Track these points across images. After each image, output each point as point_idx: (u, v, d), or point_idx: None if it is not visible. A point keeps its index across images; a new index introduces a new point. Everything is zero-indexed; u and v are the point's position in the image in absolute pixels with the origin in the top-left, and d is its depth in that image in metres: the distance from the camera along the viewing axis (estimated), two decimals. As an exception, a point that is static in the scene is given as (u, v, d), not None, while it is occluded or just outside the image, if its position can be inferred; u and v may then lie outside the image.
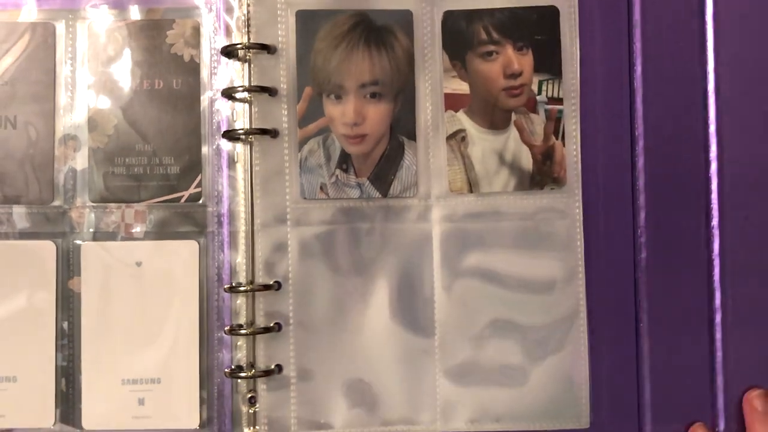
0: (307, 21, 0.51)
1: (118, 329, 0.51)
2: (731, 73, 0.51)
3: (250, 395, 0.51)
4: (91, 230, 0.52)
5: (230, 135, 0.51)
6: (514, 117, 0.51)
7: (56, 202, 0.52)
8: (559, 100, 0.51)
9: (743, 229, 0.51)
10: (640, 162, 0.51)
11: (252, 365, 0.51)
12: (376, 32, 0.51)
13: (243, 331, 0.50)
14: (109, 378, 0.51)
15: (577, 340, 0.51)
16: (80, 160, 0.52)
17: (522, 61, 0.51)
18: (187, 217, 0.52)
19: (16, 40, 0.52)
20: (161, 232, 0.52)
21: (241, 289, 0.50)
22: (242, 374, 0.50)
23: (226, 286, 0.51)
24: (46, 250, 0.52)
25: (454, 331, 0.51)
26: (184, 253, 0.52)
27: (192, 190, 0.52)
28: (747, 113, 0.51)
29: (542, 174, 0.51)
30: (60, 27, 0.53)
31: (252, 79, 0.51)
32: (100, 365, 0.51)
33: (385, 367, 0.51)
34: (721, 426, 0.51)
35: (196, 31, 0.52)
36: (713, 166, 0.51)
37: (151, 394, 0.51)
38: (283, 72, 0.51)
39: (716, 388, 0.51)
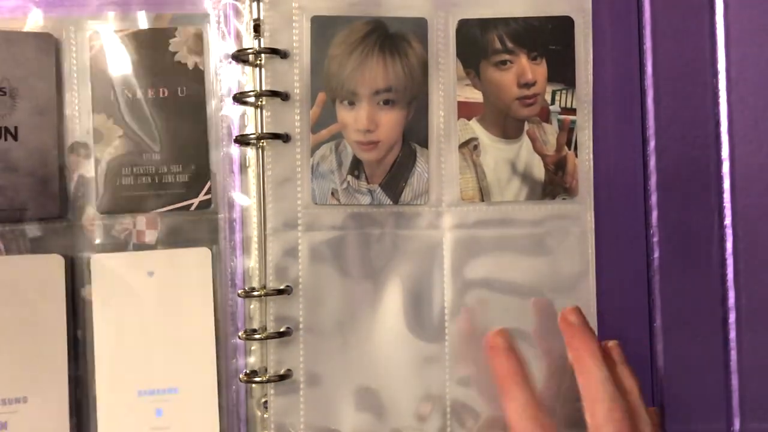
0: (322, 27, 0.51)
1: (132, 340, 0.51)
2: (742, 72, 0.52)
3: (264, 400, 0.51)
4: (101, 241, 0.51)
5: (242, 140, 0.51)
6: (527, 126, 0.51)
7: (64, 214, 0.51)
8: (572, 110, 0.51)
9: (756, 228, 0.52)
10: (652, 162, 0.52)
11: (266, 370, 0.51)
12: (390, 39, 0.51)
13: (257, 336, 0.50)
14: (124, 390, 0.50)
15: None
16: (88, 171, 0.51)
17: (536, 70, 0.51)
18: (198, 225, 0.52)
19: (20, 49, 0.51)
20: (173, 240, 0.51)
21: (255, 294, 0.50)
22: (257, 379, 0.50)
23: (240, 291, 0.51)
24: (54, 262, 0.50)
25: (464, 338, 0.51)
26: (196, 261, 0.51)
27: (202, 197, 0.51)
28: (758, 112, 0.52)
29: (554, 184, 0.51)
30: (64, 36, 0.52)
31: (264, 83, 0.51)
32: (115, 377, 0.50)
33: (395, 373, 0.51)
34: (736, 425, 0.51)
35: (199, 38, 0.52)
36: (725, 166, 0.52)
37: (169, 404, 0.50)
38: (296, 77, 0.51)
39: (731, 387, 0.52)
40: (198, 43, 0.52)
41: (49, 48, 0.51)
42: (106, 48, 0.52)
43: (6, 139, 0.50)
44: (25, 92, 0.51)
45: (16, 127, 0.51)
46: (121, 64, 0.52)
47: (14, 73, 0.51)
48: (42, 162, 0.51)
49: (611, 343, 0.49)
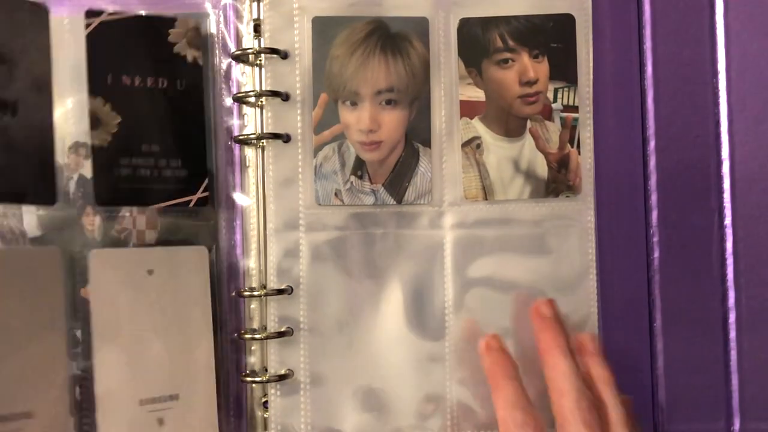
0: (323, 27, 0.50)
1: (132, 344, 0.48)
2: (742, 72, 0.52)
3: (264, 400, 0.51)
4: (100, 241, 0.49)
5: (241, 140, 0.51)
6: (529, 125, 0.51)
7: (63, 206, 0.48)
8: (574, 108, 0.51)
9: (756, 228, 0.52)
10: (652, 162, 0.52)
11: (266, 369, 0.51)
12: (392, 39, 0.51)
13: (257, 336, 0.50)
14: (126, 399, 0.48)
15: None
16: (88, 172, 0.49)
17: (538, 68, 0.51)
18: (197, 224, 0.51)
19: (16, 17, 0.46)
20: (172, 240, 0.51)
21: (255, 293, 0.50)
22: (257, 379, 0.50)
23: (240, 291, 0.51)
24: (52, 255, 0.47)
25: (466, 343, 0.51)
26: (194, 259, 0.50)
27: (200, 194, 0.51)
28: (758, 111, 0.52)
29: (557, 182, 0.51)
30: (61, 15, 0.48)
31: (264, 83, 0.51)
32: (115, 384, 0.47)
33: (396, 373, 0.51)
34: (737, 425, 0.51)
35: (198, 32, 0.51)
36: (725, 165, 0.52)
37: (171, 412, 0.49)
38: (297, 77, 0.51)
39: (731, 386, 0.52)
40: (197, 37, 0.51)
41: (43, 21, 0.48)
42: (102, 28, 0.49)
43: (4, 114, 0.45)
44: (23, 65, 0.46)
45: (15, 101, 0.45)
46: (118, 47, 0.49)
47: (11, 42, 0.46)
48: (41, 143, 0.47)
49: (586, 334, 0.48)
